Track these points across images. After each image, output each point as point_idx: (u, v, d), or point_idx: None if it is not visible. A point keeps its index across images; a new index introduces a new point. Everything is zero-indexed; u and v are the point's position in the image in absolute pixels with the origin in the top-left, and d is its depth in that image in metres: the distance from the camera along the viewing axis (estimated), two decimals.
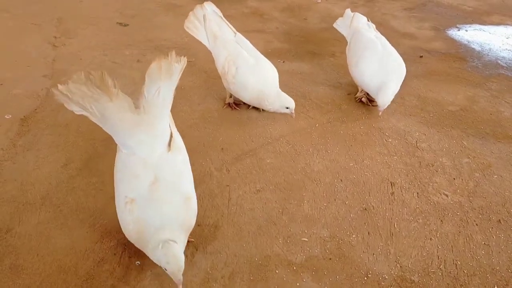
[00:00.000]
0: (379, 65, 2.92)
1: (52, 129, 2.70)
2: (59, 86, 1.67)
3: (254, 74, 2.75)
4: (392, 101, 3.18)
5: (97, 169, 2.40)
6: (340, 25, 3.43)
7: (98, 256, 1.91)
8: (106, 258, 1.90)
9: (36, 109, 2.89)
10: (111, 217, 2.09)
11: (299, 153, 2.63)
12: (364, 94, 3.17)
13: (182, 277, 1.62)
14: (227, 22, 2.94)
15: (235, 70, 2.76)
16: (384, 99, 2.81)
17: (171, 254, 1.60)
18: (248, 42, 2.93)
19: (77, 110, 1.75)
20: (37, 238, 1.97)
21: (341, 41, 4.20)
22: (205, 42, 2.94)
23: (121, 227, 1.76)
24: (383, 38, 3.12)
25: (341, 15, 3.48)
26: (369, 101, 3.16)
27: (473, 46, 4.28)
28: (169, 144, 1.83)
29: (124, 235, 1.78)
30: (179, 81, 1.93)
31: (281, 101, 2.75)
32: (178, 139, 1.93)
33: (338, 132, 2.85)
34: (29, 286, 1.76)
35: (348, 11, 3.39)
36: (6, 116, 2.77)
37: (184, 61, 1.89)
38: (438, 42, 4.36)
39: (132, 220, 1.69)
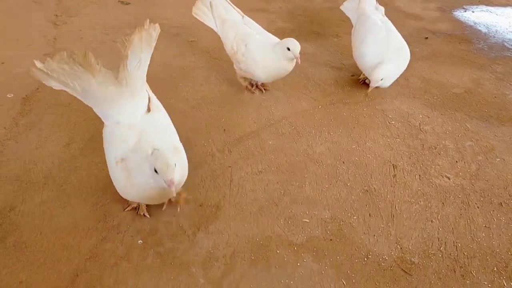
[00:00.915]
0: (379, 48, 2.88)
1: (54, 108, 2.69)
2: (37, 64, 1.72)
3: (262, 49, 2.72)
4: (396, 83, 3.16)
5: (99, 148, 2.39)
6: (347, 7, 3.37)
7: (100, 235, 1.92)
8: (109, 237, 1.92)
9: (38, 88, 2.88)
10: (114, 196, 2.10)
11: (301, 135, 2.63)
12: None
13: (173, 178, 1.63)
14: (234, 6, 2.90)
15: (245, 47, 2.74)
16: (376, 74, 2.75)
17: (159, 155, 1.67)
18: (256, 24, 2.89)
19: (56, 86, 1.80)
20: (40, 216, 1.99)
21: (346, 21, 4.14)
22: (213, 27, 2.92)
23: (116, 188, 1.87)
24: (389, 22, 3.07)
25: None
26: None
27: (479, 28, 4.22)
28: (148, 106, 1.91)
29: (126, 213, 1.79)
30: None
31: (281, 42, 2.63)
32: (154, 100, 2.01)
33: (341, 114, 2.83)
34: (33, 263, 1.78)
35: None
36: (8, 95, 2.76)
37: (157, 28, 1.93)
38: (443, 23, 4.30)
39: (125, 176, 1.77)
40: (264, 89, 3.02)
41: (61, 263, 1.79)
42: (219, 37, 2.93)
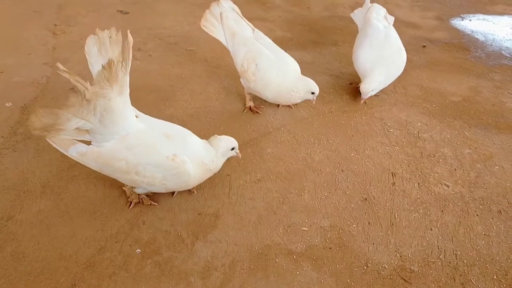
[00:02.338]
0: (374, 53, 2.92)
1: None
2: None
3: (275, 69, 2.67)
4: (394, 91, 3.18)
5: None
6: (357, 14, 3.39)
7: (98, 244, 1.91)
8: (107, 246, 1.91)
9: (36, 97, 2.88)
10: (112, 205, 2.10)
11: (300, 143, 2.62)
12: None
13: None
14: (245, 19, 2.84)
15: (255, 67, 2.67)
16: (365, 86, 2.83)
17: (221, 138, 2.10)
18: (267, 38, 2.84)
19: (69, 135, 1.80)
20: (38, 226, 1.98)
21: (344, 30, 4.18)
22: (222, 40, 2.82)
23: (175, 182, 1.99)
24: (392, 29, 3.09)
25: (344, 4, 3.46)
26: None
27: (476, 36, 4.24)
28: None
29: (124, 222, 1.79)
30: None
31: (306, 85, 2.70)
32: None
33: (339, 122, 2.84)
34: (30, 273, 1.77)
35: (367, 1, 3.33)
36: (6, 104, 2.76)
37: (115, 32, 1.88)
38: (441, 32, 4.32)
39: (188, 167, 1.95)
40: (257, 111, 2.91)
41: (59, 273, 1.78)
42: (218, 46, 2.94)
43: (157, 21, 4.22)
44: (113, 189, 2.17)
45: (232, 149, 2.14)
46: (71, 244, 1.90)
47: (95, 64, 1.82)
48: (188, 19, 4.30)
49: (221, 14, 2.75)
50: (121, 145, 1.85)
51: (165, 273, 1.81)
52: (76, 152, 1.89)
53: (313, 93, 2.71)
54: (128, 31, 1.76)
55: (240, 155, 2.20)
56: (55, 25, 3.99)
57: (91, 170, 2.28)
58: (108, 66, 1.67)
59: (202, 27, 2.82)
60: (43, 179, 2.23)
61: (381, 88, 2.96)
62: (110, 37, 1.83)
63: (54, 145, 1.89)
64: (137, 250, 1.90)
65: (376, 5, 3.26)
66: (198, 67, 3.42)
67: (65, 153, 1.91)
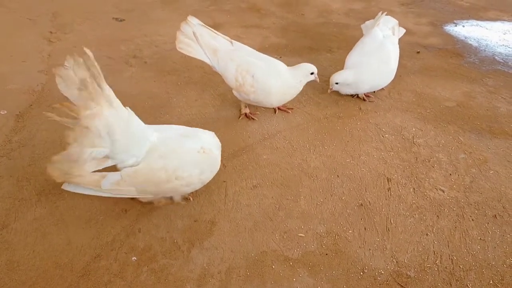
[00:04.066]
0: (361, 57, 3.01)
1: (47, 125, 2.68)
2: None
3: (271, 75, 2.64)
4: (389, 97, 3.20)
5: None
6: (368, 25, 3.37)
7: (94, 252, 1.91)
8: (103, 254, 1.90)
9: (31, 105, 2.88)
10: (107, 213, 2.09)
11: (296, 149, 2.63)
12: None
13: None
14: (219, 33, 2.74)
15: (252, 78, 2.61)
16: (334, 75, 2.97)
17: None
18: (246, 47, 2.77)
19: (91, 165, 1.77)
20: (33, 234, 1.97)
21: (338, 36, 4.21)
22: (205, 59, 2.70)
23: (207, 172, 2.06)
24: (391, 41, 3.10)
25: (338, 10, 3.50)
26: (365, 96, 3.16)
27: (470, 42, 4.28)
28: None
29: (120, 230, 1.79)
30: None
31: (303, 70, 2.71)
32: None
33: (335, 127, 2.84)
34: (25, 282, 1.76)
35: (380, 13, 3.29)
36: (1, 112, 2.76)
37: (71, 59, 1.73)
38: (435, 38, 4.35)
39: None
40: (253, 118, 2.90)
41: (54, 282, 1.77)
42: None
43: (152, 28, 4.23)
44: (109, 197, 2.16)
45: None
46: (66, 252, 1.89)
47: (69, 91, 1.72)
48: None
49: (194, 33, 2.63)
50: (153, 156, 1.86)
51: (161, 281, 1.80)
52: (110, 183, 1.84)
53: (312, 73, 2.72)
54: (84, 48, 1.70)
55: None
56: (51, 32, 4.00)
57: None
58: (85, 86, 1.63)
59: (178, 49, 2.69)
60: (38, 187, 2.22)
61: (348, 91, 3.07)
62: (72, 65, 1.70)
63: (87, 192, 1.88)
64: (133, 258, 1.89)
65: (387, 16, 3.28)
66: (194, 74, 3.42)
67: (98, 193, 1.89)
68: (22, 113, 2.78)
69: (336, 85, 2.98)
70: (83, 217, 2.07)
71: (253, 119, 2.89)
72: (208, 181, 2.09)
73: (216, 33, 2.71)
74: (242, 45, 2.77)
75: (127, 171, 1.83)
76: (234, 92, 2.78)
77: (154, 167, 1.86)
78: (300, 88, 2.77)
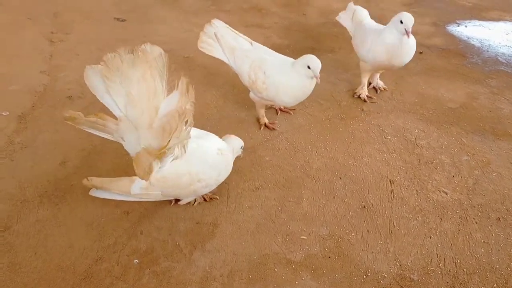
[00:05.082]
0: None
1: (49, 126, 2.68)
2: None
3: (283, 70, 2.56)
4: (391, 98, 3.19)
5: (95, 166, 2.39)
6: (342, 17, 3.42)
7: (96, 255, 1.90)
8: (105, 257, 1.89)
9: (33, 106, 2.87)
10: (109, 215, 2.09)
11: (298, 150, 2.62)
12: (364, 91, 3.16)
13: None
14: (240, 34, 2.77)
15: (263, 74, 2.57)
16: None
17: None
18: (266, 48, 2.76)
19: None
20: (35, 236, 1.96)
21: (340, 37, 4.19)
22: (224, 58, 2.75)
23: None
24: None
25: (340, 10, 3.47)
26: (367, 97, 3.15)
27: (472, 42, 4.26)
28: None
29: (122, 232, 1.80)
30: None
31: (300, 61, 2.49)
32: None
33: (337, 129, 2.84)
34: (27, 284, 1.76)
35: (350, 4, 3.37)
36: (3, 113, 2.75)
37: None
38: (438, 38, 4.34)
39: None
40: (273, 128, 2.85)
41: (56, 284, 1.76)
42: None
43: (153, 28, 4.22)
44: (111, 199, 2.16)
45: (241, 148, 2.23)
46: (68, 255, 1.89)
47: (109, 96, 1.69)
48: (184, 26, 4.30)
49: (215, 34, 2.69)
50: (179, 161, 1.87)
51: (163, 284, 1.79)
52: (139, 188, 1.89)
53: (309, 67, 2.48)
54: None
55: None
56: (52, 32, 3.99)
57: None
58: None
59: (200, 48, 2.77)
60: (40, 189, 2.22)
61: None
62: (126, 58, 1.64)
63: (113, 197, 1.95)
64: (135, 261, 1.89)
65: (359, 7, 3.31)
66: (196, 74, 3.41)
67: (124, 198, 1.96)
68: (24, 114, 2.78)
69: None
70: (86, 220, 2.06)
71: (274, 129, 2.83)
72: (222, 181, 2.12)
73: (238, 34, 2.76)
74: (261, 46, 2.78)
75: (156, 176, 1.85)
76: (251, 95, 2.75)
77: (179, 172, 1.89)
78: (308, 84, 2.56)
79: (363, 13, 3.28)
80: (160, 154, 1.70)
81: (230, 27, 2.77)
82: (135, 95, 1.63)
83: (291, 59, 2.66)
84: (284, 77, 2.54)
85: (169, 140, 1.65)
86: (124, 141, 1.78)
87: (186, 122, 1.67)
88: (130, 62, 1.62)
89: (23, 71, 3.29)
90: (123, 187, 1.91)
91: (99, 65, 1.64)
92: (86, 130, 1.79)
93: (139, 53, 1.62)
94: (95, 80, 1.67)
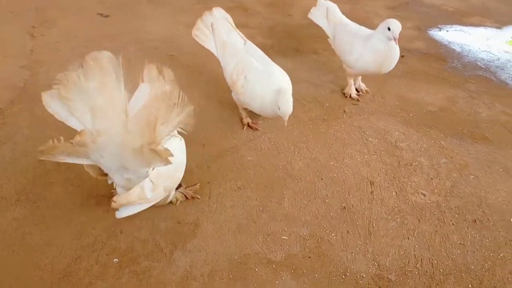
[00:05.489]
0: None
1: (29, 122, 2.64)
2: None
3: (261, 81, 2.50)
4: (373, 100, 3.23)
5: (74, 164, 2.36)
6: (314, 14, 3.39)
7: (75, 254, 1.88)
8: (83, 256, 1.88)
9: (13, 101, 2.83)
10: (89, 213, 2.07)
11: (280, 151, 2.64)
12: (352, 90, 3.20)
13: None
14: (237, 29, 2.77)
15: (244, 79, 2.54)
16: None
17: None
18: (258, 49, 2.73)
19: None
20: (12, 234, 1.93)
21: (324, 38, 4.20)
22: (213, 50, 2.74)
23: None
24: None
25: None
26: (358, 96, 3.20)
27: (453, 47, 4.34)
28: None
29: (101, 231, 1.80)
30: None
31: (276, 98, 2.37)
32: None
33: (319, 130, 2.86)
34: (3, 284, 1.73)
35: (320, 1, 3.33)
36: None
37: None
38: (420, 42, 4.40)
39: None
40: (256, 128, 2.82)
41: (34, 283, 1.74)
42: (200, 52, 2.92)
43: (138, 25, 4.19)
44: (91, 197, 2.14)
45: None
46: (46, 253, 1.87)
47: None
48: (169, 24, 4.28)
49: (212, 24, 2.67)
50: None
51: (143, 284, 1.79)
52: (149, 191, 1.78)
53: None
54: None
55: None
56: (33, 27, 3.93)
57: (69, 176, 2.26)
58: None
59: (193, 36, 2.75)
60: (18, 186, 2.18)
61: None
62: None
63: (137, 210, 1.81)
64: (115, 260, 1.87)
65: (330, 3, 3.28)
66: (179, 73, 3.37)
67: (145, 206, 1.84)
68: (3, 110, 2.73)
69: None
70: (64, 218, 2.04)
71: (256, 129, 2.81)
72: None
73: (234, 29, 2.73)
74: (255, 47, 2.72)
75: (153, 174, 1.74)
76: (233, 95, 2.74)
77: None
78: (270, 107, 2.46)
79: (336, 11, 3.25)
80: (154, 145, 1.54)
81: (229, 20, 2.76)
82: (99, 105, 1.55)
83: (280, 74, 2.58)
84: (265, 92, 2.45)
85: (156, 129, 1.55)
86: (102, 157, 1.63)
87: (175, 104, 1.60)
88: (85, 75, 1.54)
89: (3, 65, 3.23)
90: (141, 194, 1.74)
91: (54, 88, 1.57)
92: (63, 161, 1.67)
93: (90, 63, 1.54)
94: (55, 105, 1.61)
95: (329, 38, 3.30)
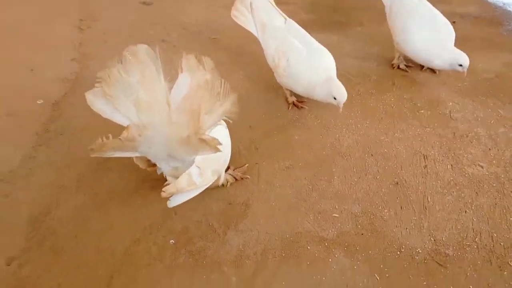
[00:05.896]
0: (429, 31, 2.84)
1: (83, 112, 2.74)
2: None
3: (305, 64, 2.46)
4: (424, 70, 3.10)
5: None
6: None
7: (133, 236, 1.96)
8: (142, 238, 1.95)
9: (66, 93, 2.94)
10: (145, 197, 2.14)
11: (328, 128, 2.60)
12: (402, 60, 3.08)
13: None
14: (276, 7, 2.70)
15: (286, 62, 2.50)
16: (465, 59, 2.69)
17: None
18: (300, 28, 2.66)
19: None
20: (75, 220, 2.03)
21: (369, 9, 4.08)
22: (253, 31, 2.68)
23: None
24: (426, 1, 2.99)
25: None
26: (406, 67, 3.07)
27: (509, 9, 4.07)
28: None
29: (157, 214, 1.92)
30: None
31: (329, 89, 2.39)
32: None
33: (367, 104, 2.79)
34: (69, 267, 1.83)
35: None
36: (38, 102, 2.83)
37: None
38: (472, 6, 4.16)
39: None
40: (302, 106, 2.77)
41: (97, 266, 1.83)
42: (241, 33, 2.89)
43: (180, 11, 4.22)
44: (145, 181, 2.21)
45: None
46: (107, 237, 1.96)
47: None
48: (211, 7, 4.28)
49: (251, 4, 2.61)
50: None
51: (199, 263, 1.84)
52: (197, 176, 1.78)
53: (334, 98, 2.41)
54: None
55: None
56: (80, 20, 4.05)
57: (125, 162, 2.33)
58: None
59: (232, 17, 2.71)
60: (77, 174, 2.29)
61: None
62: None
63: (187, 197, 1.82)
64: (171, 241, 1.94)
65: None
66: (222, 55, 3.41)
67: (195, 192, 1.85)
68: (58, 102, 2.85)
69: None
70: (122, 202, 2.12)
71: (302, 107, 2.77)
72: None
73: (275, 8, 2.67)
74: (296, 26, 2.66)
75: (198, 159, 1.75)
76: (276, 76, 2.71)
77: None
78: (317, 97, 2.48)
79: None
80: (201, 134, 1.56)
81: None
82: (142, 99, 1.56)
83: (326, 55, 2.53)
84: (308, 74, 2.43)
85: (201, 118, 1.54)
86: (150, 148, 1.65)
87: (218, 93, 1.61)
88: (125, 70, 1.55)
89: (55, 59, 3.36)
90: (189, 181, 1.74)
91: (96, 87, 1.60)
92: (113, 156, 1.71)
93: (128, 57, 1.55)
94: (99, 103, 1.65)
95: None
